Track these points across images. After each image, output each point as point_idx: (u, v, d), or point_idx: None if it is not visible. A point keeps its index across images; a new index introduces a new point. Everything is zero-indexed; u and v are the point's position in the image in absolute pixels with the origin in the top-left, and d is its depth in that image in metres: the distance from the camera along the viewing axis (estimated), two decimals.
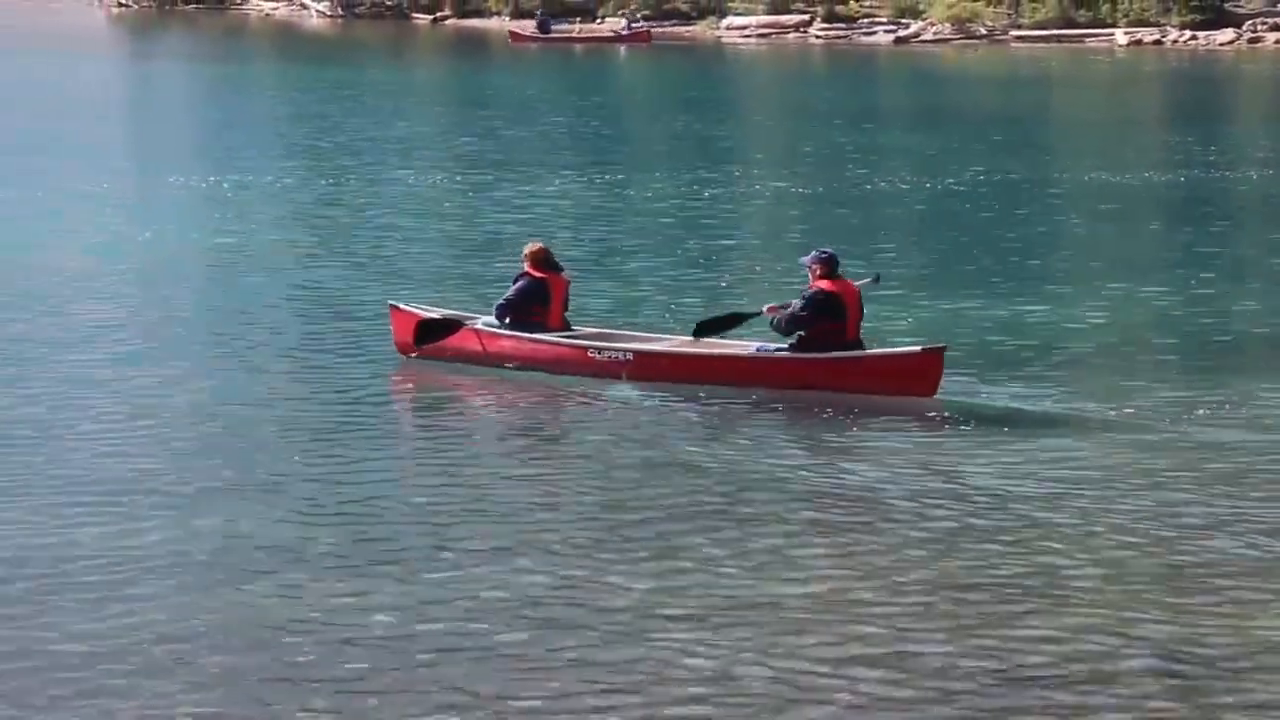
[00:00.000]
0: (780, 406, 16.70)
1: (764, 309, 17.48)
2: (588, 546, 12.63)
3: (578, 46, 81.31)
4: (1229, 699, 10.13)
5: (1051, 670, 10.47)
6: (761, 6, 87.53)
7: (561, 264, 18.51)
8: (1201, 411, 16.39)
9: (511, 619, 11.21)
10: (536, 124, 46.06)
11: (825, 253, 17.25)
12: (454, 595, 11.62)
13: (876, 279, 18.18)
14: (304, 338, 19.80)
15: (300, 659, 10.59)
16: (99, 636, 10.93)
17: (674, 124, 47.60)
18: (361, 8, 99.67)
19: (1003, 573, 12.11)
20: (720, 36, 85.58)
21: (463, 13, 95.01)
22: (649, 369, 17.35)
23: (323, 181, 33.66)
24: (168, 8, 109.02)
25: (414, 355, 18.30)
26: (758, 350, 17.40)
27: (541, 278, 18.11)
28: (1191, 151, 40.13)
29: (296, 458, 14.96)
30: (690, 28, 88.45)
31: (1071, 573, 12.14)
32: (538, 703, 10.05)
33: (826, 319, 16.89)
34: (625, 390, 17.11)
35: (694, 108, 51.19)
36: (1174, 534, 12.99)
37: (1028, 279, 23.63)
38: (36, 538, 12.80)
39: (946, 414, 16.32)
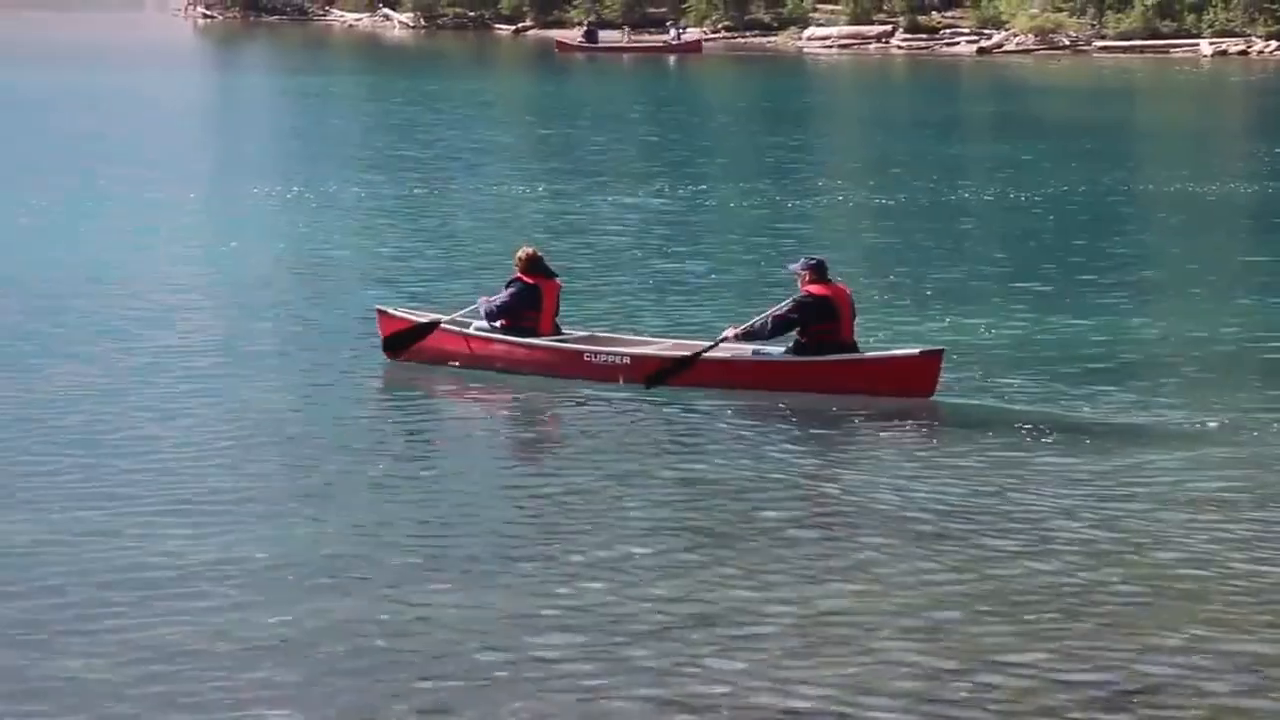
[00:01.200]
0: (783, 410, 16.59)
1: (726, 333, 17.44)
2: (626, 555, 12.53)
3: (625, 56, 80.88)
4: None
5: (1108, 685, 10.29)
6: (843, 17, 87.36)
7: (554, 270, 18.57)
8: (1228, 424, 16.10)
9: (568, 629, 11.14)
10: (611, 134, 46.05)
11: (814, 259, 17.41)
12: (512, 604, 11.54)
13: None
14: (354, 344, 19.76)
15: (368, 665, 10.55)
16: (175, 643, 10.93)
17: (750, 134, 47.50)
18: (444, 19, 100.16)
19: (1028, 584, 11.92)
20: (802, 47, 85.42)
21: (545, 23, 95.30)
22: (646, 372, 17.27)
23: (390, 190, 33.70)
24: (253, 19, 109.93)
25: (403, 359, 18.39)
26: (754, 354, 17.35)
27: (533, 283, 18.23)
28: (1278, 163, 39.67)
29: (359, 466, 14.94)
30: (772, 38, 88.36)
31: (1098, 581, 11.95)
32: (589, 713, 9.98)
33: (817, 320, 16.97)
34: (626, 394, 17.06)
35: (770, 118, 51.06)
36: (1209, 548, 12.79)
37: (1103, 289, 23.33)
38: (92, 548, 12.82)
39: (965, 418, 16.24)
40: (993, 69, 73.23)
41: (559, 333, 18.30)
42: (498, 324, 18.15)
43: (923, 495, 13.96)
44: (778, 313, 17.10)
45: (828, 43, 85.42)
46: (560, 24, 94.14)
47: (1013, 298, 22.73)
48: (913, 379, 16.76)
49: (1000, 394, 17.26)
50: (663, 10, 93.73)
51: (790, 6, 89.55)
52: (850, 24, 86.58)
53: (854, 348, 17.15)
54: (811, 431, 16.05)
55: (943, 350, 17.12)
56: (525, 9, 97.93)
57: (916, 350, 17.06)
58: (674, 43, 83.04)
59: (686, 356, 17.28)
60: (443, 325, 18.28)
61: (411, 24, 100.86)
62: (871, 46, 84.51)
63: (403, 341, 18.38)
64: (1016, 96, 61.38)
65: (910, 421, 16.23)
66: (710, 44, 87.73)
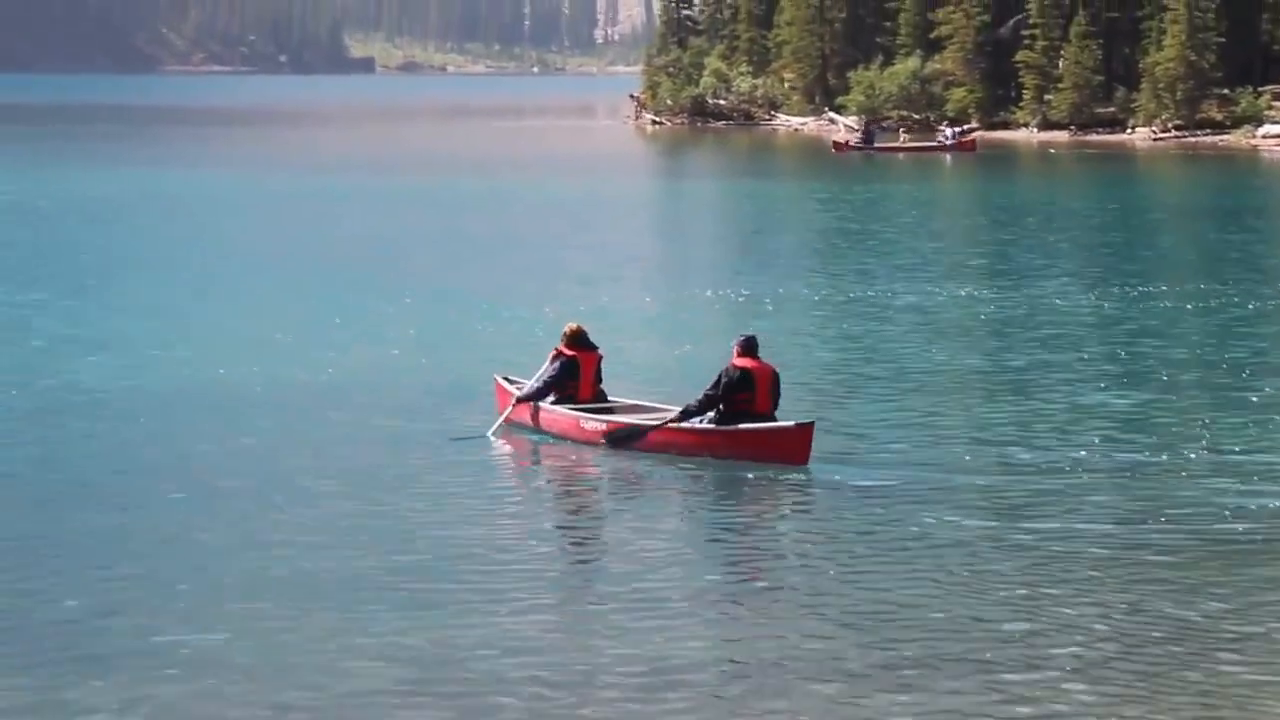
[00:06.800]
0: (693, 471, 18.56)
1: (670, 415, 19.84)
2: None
3: (901, 155, 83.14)
4: None
5: None
6: None
7: (595, 344, 20.79)
8: None
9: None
10: (1054, 235, 45.77)
11: (745, 335, 19.71)
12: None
13: None
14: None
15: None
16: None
17: (1195, 234, 46.66)
18: (888, 121, 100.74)
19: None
20: (1256, 145, 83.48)
21: (990, 124, 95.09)
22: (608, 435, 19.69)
23: (839, 294, 34.08)
24: (699, 124, 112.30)
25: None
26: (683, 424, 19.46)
27: (573, 355, 20.68)
28: None
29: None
30: (1224, 137, 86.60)
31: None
32: None
33: (738, 391, 19.10)
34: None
35: (1217, 217, 49.97)
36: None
37: None
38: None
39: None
40: None
41: (603, 399, 20.68)
42: (548, 397, 20.40)
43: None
44: (706, 389, 19.25)
45: None
46: (1005, 125, 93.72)
47: None
48: (788, 449, 18.61)
49: None
50: (1111, 109, 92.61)
51: (1244, 105, 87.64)
52: None
53: (770, 418, 19.16)
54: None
55: (813, 423, 18.87)
56: (971, 110, 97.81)
57: (792, 423, 18.89)
58: (948, 143, 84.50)
59: (635, 427, 19.63)
60: (518, 399, 20.63)
61: (856, 127, 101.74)
62: None
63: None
64: None
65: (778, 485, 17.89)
66: (1160, 143, 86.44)
